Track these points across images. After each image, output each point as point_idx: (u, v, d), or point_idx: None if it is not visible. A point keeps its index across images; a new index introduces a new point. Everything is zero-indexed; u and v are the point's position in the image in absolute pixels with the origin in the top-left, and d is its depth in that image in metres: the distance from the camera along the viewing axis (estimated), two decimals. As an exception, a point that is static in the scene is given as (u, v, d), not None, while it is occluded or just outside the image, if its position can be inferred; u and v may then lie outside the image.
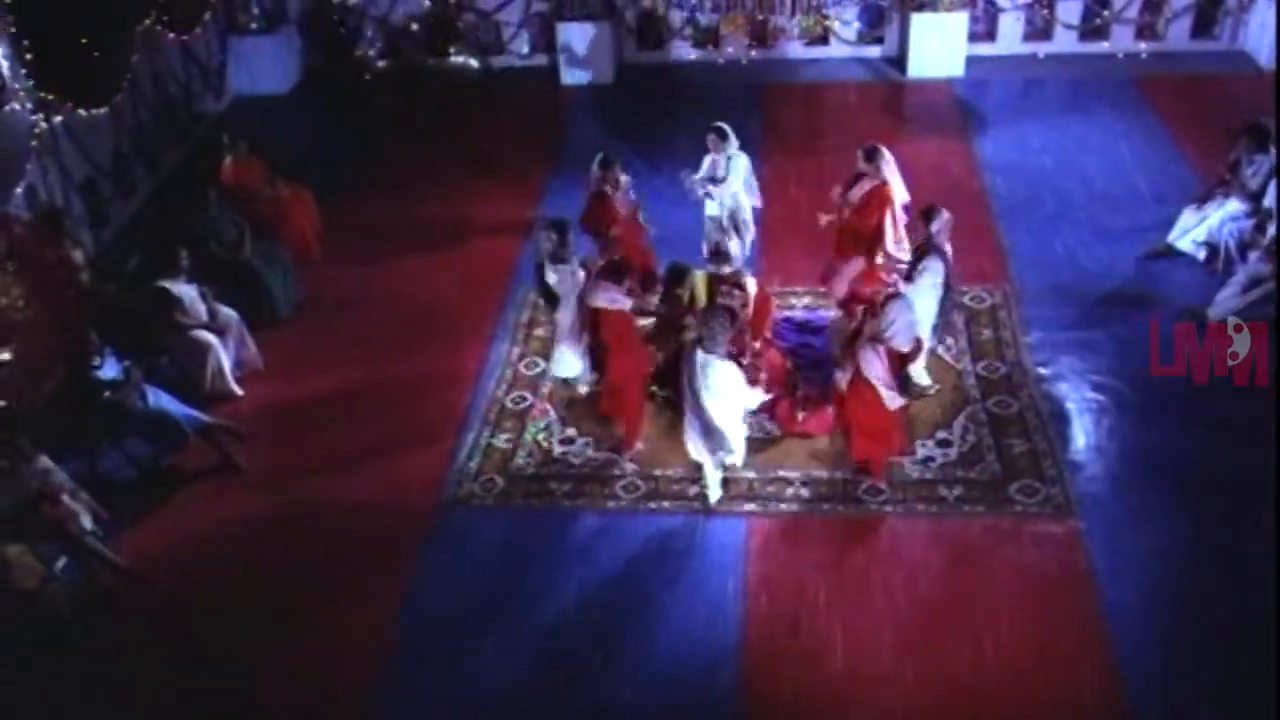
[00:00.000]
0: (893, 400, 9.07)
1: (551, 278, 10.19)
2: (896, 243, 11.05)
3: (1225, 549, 8.68)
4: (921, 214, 9.95)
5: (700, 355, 8.85)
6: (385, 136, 15.79)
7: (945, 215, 9.79)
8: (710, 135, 11.38)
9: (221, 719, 8.17)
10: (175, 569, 9.23)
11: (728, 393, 8.93)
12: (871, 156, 10.87)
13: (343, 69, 17.29)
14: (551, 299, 10.38)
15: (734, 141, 11.39)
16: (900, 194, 11.06)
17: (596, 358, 10.27)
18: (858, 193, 10.96)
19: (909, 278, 9.89)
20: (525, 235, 11.22)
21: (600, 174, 11.00)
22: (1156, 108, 15.07)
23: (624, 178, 11.16)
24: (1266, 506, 8.82)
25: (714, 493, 9.45)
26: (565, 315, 10.33)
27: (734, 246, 10.39)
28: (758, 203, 11.83)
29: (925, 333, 9.82)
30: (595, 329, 9.97)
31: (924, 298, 9.71)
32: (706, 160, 11.52)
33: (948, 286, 9.89)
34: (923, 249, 9.87)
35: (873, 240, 11.05)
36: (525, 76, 17.22)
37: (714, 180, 11.44)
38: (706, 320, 8.95)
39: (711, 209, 11.60)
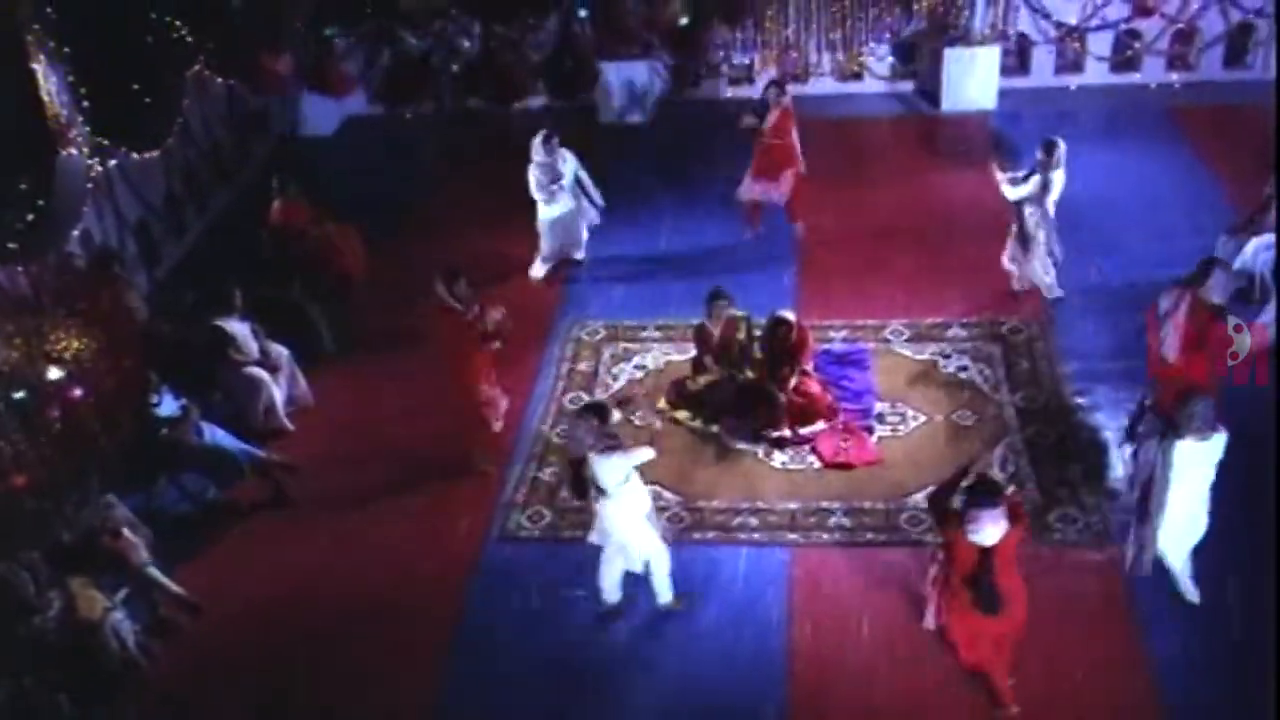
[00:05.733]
0: None
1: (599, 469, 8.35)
2: None
3: (1266, 576, 8.68)
4: None
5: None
6: (428, 175, 16.06)
7: None
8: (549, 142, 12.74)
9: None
10: (230, 600, 9.46)
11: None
12: (1050, 151, 11.33)
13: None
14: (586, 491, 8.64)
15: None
16: None
17: None
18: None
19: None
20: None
21: None
22: (1190, 137, 15.14)
23: None
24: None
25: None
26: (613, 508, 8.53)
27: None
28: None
29: None
30: None
31: None
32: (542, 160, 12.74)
33: None
34: None
35: None
36: (564, 115, 17.46)
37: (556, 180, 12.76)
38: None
39: (555, 211, 12.96)
